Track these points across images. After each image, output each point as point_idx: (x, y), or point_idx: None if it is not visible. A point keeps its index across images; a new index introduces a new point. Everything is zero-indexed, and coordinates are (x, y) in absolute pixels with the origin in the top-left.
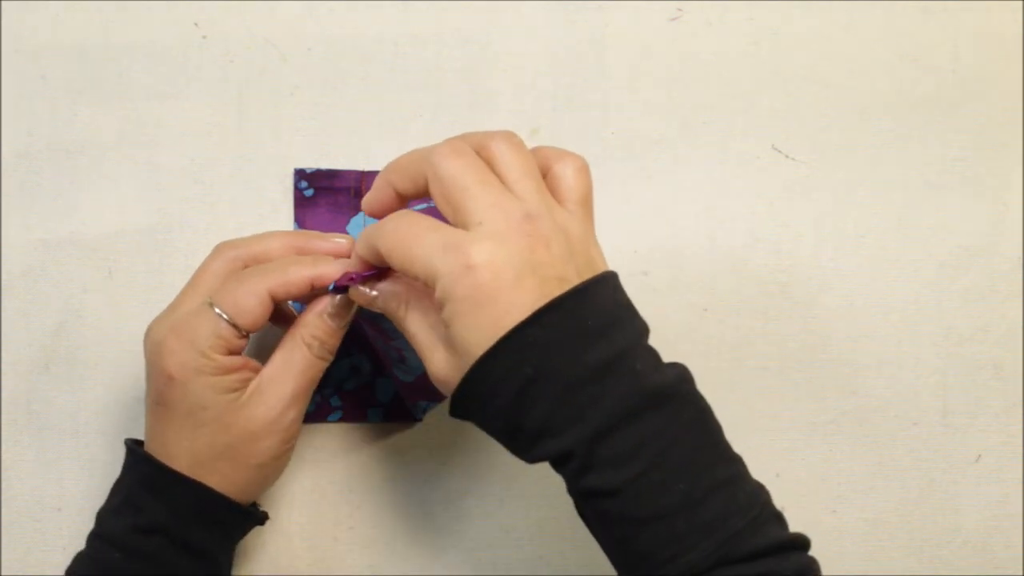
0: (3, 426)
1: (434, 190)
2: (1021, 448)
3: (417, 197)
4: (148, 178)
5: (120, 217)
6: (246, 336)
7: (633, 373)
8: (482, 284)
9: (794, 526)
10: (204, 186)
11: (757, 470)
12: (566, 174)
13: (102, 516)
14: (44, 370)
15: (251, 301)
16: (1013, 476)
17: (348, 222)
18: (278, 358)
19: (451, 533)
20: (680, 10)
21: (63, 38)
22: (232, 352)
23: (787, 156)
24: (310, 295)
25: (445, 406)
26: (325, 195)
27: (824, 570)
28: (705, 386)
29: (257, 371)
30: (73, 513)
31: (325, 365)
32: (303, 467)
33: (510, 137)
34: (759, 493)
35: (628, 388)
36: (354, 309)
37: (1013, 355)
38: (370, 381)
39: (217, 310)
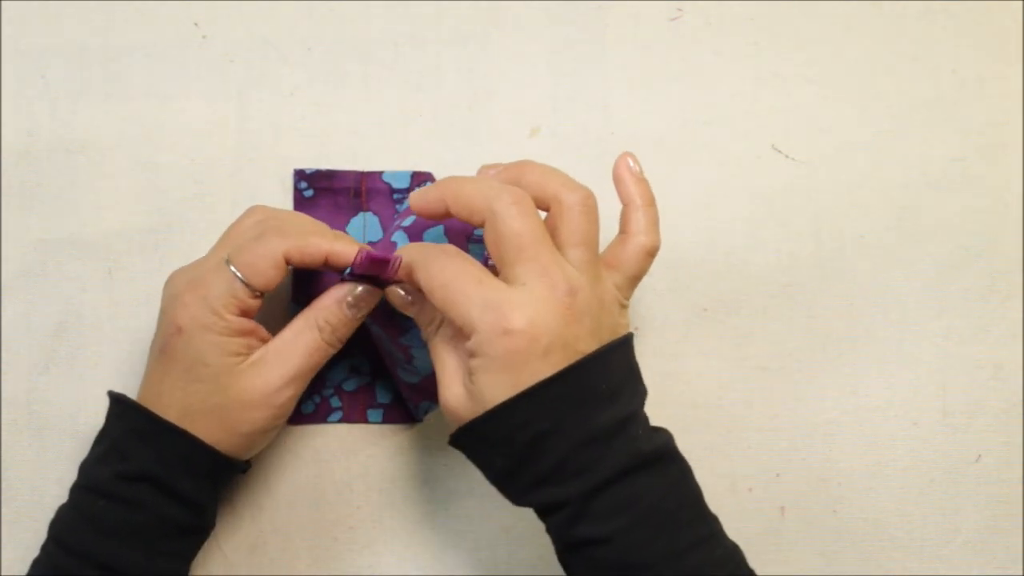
0: (3, 426)
1: (488, 236)
2: (1021, 448)
3: (469, 224)
4: (148, 178)
5: (120, 217)
6: (259, 296)
7: (633, 437)
8: (515, 351)
9: (794, 526)
10: (204, 186)
11: (757, 470)
12: (635, 248)
13: (85, 467)
14: (44, 370)
15: (265, 262)
16: (1013, 476)
17: (348, 223)
18: (287, 334)
19: (451, 533)
20: (680, 10)
21: (63, 38)
22: (244, 313)
23: (787, 156)
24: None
25: None
26: (325, 196)
27: (824, 570)
28: (705, 386)
29: (265, 341)
30: None
31: (331, 352)
32: (303, 467)
33: (586, 200)
34: (735, 552)
35: (628, 450)
36: (374, 303)
37: (1013, 355)
38: (370, 382)
39: (232, 268)
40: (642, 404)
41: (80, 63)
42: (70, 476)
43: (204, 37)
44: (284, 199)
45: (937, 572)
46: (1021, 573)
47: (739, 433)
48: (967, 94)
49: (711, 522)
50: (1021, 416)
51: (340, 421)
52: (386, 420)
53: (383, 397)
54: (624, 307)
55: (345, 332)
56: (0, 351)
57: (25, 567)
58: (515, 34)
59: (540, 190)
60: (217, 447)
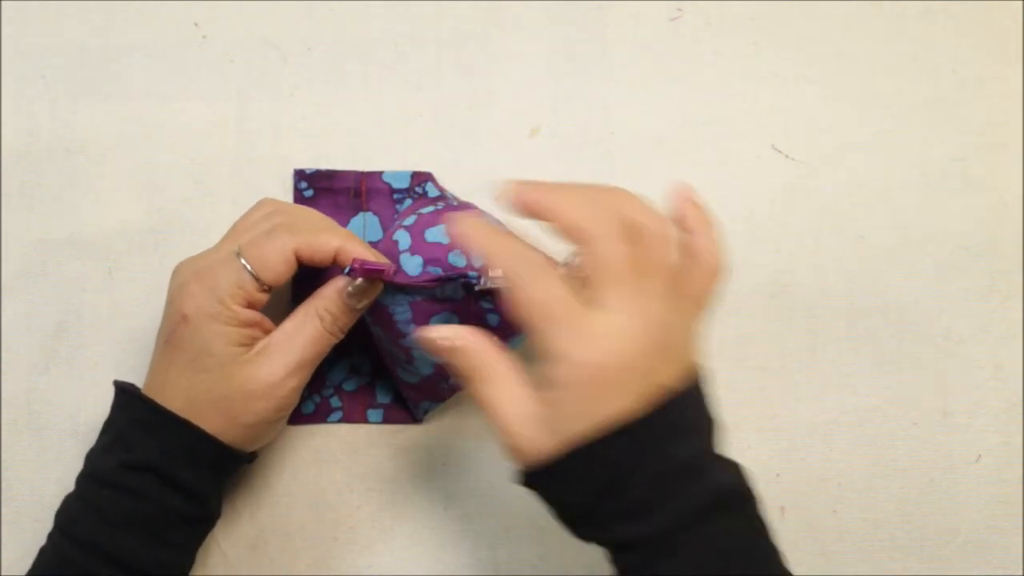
0: (3, 426)
1: (586, 258)
2: (1021, 448)
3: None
4: (148, 178)
5: (120, 217)
6: (267, 291)
7: (712, 471)
8: (601, 381)
9: (794, 526)
10: (204, 186)
11: (757, 470)
12: (702, 274)
13: (91, 456)
14: (44, 370)
15: (276, 257)
16: (1013, 476)
17: (347, 223)
18: (289, 325)
19: (451, 533)
20: (680, 10)
21: (63, 38)
22: (251, 305)
23: (787, 156)
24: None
25: (445, 407)
26: (325, 196)
27: (824, 570)
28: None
29: (269, 332)
30: None
31: (333, 341)
32: (303, 467)
33: (668, 229)
34: None
35: (707, 487)
36: (375, 294)
37: (1013, 355)
38: (370, 382)
39: (243, 260)
40: (714, 435)
41: (80, 63)
42: (70, 476)
43: (204, 37)
44: (284, 199)
45: (937, 572)
46: (1021, 573)
47: (739, 433)
48: (967, 94)
49: (782, 557)
50: (1021, 416)
51: (340, 421)
52: (386, 420)
53: (383, 397)
54: (695, 333)
55: (346, 321)
56: (0, 351)
57: (25, 567)
58: (515, 34)
59: (636, 222)
60: (221, 438)
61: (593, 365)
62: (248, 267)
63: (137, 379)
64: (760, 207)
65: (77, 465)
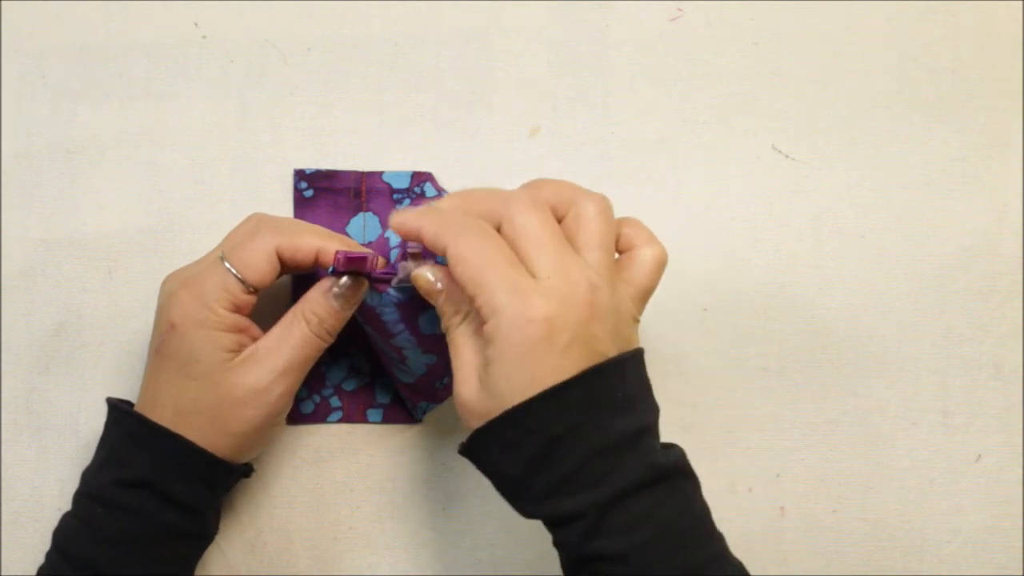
0: (3, 426)
1: (507, 234)
2: (1021, 448)
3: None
4: (148, 178)
5: (120, 217)
6: (253, 293)
7: (649, 449)
8: (537, 340)
9: (794, 526)
10: (204, 186)
11: (757, 470)
12: (644, 261)
13: (86, 474)
14: (44, 370)
15: (258, 256)
16: (1013, 476)
17: (348, 223)
18: (276, 330)
19: (451, 533)
20: (680, 10)
21: (63, 38)
22: (238, 309)
23: (787, 156)
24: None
25: (445, 407)
26: (325, 196)
27: (824, 570)
28: (705, 386)
29: (257, 340)
30: None
31: (322, 345)
32: (303, 467)
33: (601, 202)
34: (742, 570)
35: (644, 462)
36: (360, 294)
37: (1013, 355)
38: (370, 382)
39: (227, 264)
40: (656, 419)
41: (80, 63)
42: (70, 476)
43: (204, 37)
44: (284, 199)
45: (937, 572)
46: (1021, 573)
47: (739, 433)
48: (967, 94)
49: (719, 539)
50: (1021, 416)
51: (340, 421)
52: (386, 420)
53: (383, 397)
54: (636, 322)
55: (333, 324)
56: (0, 351)
57: (25, 567)
58: (515, 34)
59: (556, 197)
60: (211, 449)
61: (527, 319)
62: (232, 269)
63: (137, 380)
64: (760, 207)
65: (77, 465)
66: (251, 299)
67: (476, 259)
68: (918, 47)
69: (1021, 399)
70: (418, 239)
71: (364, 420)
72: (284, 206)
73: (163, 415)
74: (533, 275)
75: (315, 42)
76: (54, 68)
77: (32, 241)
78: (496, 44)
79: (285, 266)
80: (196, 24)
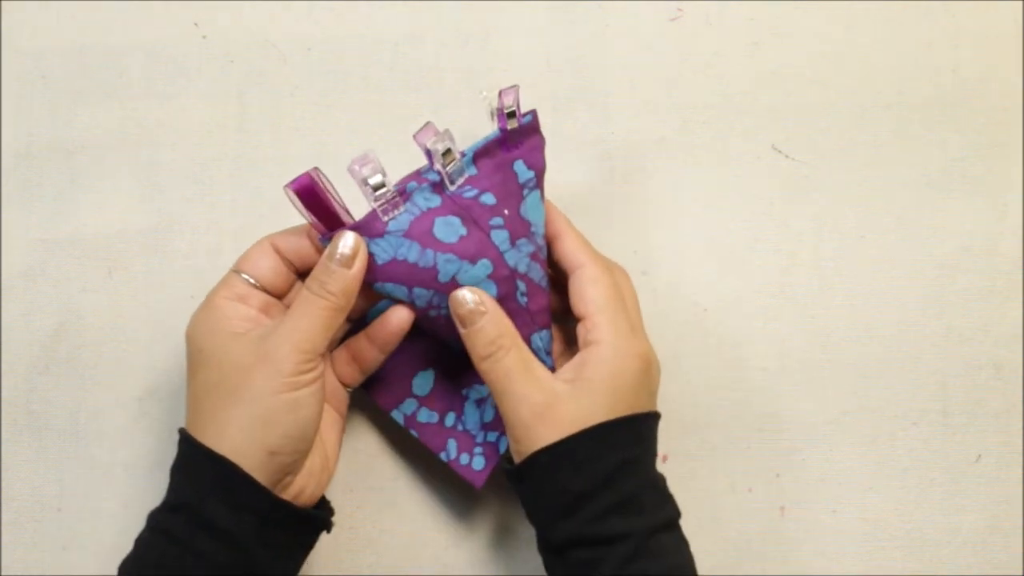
0: (3, 426)
1: (578, 287)
2: (1021, 448)
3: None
4: (148, 178)
5: (120, 217)
6: (257, 287)
7: (669, 499)
8: (636, 371)
9: (794, 526)
10: (204, 186)
11: (757, 470)
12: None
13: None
14: (44, 370)
15: (255, 251)
16: (1013, 476)
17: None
18: (289, 310)
19: (451, 533)
20: (680, 10)
21: (63, 38)
22: (241, 300)
23: (787, 156)
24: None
25: None
26: None
27: (824, 570)
28: (705, 386)
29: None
30: (73, 513)
31: (327, 305)
32: None
33: (629, 280)
34: None
35: (673, 504)
36: (355, 247)
37: (1013, 355)
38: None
39: (232, 269)
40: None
41: (80, 63)
42: (70, 476)
43: (204, 37)
44: (284, 199)
45: (937, 572)
46: (1021, 573)
47: (739, 433)
48: (967, 94)
49: None
50: (1021, 416)
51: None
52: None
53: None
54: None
55: (336, 286)
56: (0, 351)
57: (25, 567)
58: (515, 34)
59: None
60: (238, 437)
61: (634, 354)
62: (233, 267)
63: (137, 379)
64: (760, 207)
65: (77, 465)
66: (258, 294)
67: (605, 289)
68: (918, 47)
69: (1021, 399)
70: (554, 240)
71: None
72: (284, 205)
73: (189, 419)
74: (626, 325)
75: (315, 42)
76: (54, 68)
77: (32, 241)
78: (496, 44)
79: (288, 259)
80: (196, 24)
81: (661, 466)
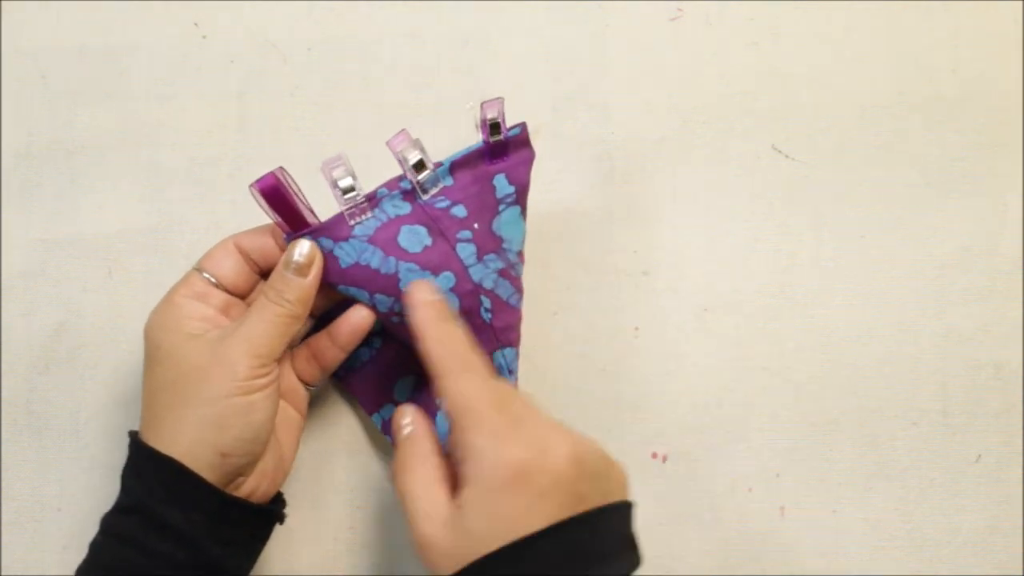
0: (3, 426)
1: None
2: (1021, 448)
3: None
4: (148, 178)
5: (120, 217)
6: (217, 286)
7: None
8: (510, 485)
9: (794, 526)
10: (204, 186)
11: (757, 470)
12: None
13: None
14: (44, 370)
15: (218, 250)
16: (1013, 476)
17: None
18: (246, 314)
19: None
20: (680, 10)
21: (63, 38)
22: (200, 298)
23: (787, 156)
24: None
25: None
26: None
27: (824, 570)
28: (705, 386)
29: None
30: (73, 513)
31: (283, 312)
32: (303, 468)
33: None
34: None
35: None
36: (310, 254)
37: (1013, 355)
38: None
39: (194, 267)
40: (631, 573)
41: (80, 63)
42: (70, 476)
43: (204, 37)
44: None
45: (937, 572)
46: (1021, 573)
47: (739, 433)
48: (967, 94)
49: None
50: (1021, 416)
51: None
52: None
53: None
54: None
55: (292, 295)
56: (0, 351)
57: (25, 567)
58: (515, 34)
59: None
60: (191, 437)
61: (507, 466)
62: (195, 265)
63: (136, 380)
64: (760, 207)
65: (77, 465)
66: (219, 293)
67: (459, 395)
68: (918, 47)
69: (1021, 399)
70: (420, 344)
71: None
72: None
73: (143, 418)
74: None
75: (315, 42)
76: (54, 68)
77: (32, 241)
78: (496, 44)
79: (251, 258)
80: (196, 24)
81: (661, 466)
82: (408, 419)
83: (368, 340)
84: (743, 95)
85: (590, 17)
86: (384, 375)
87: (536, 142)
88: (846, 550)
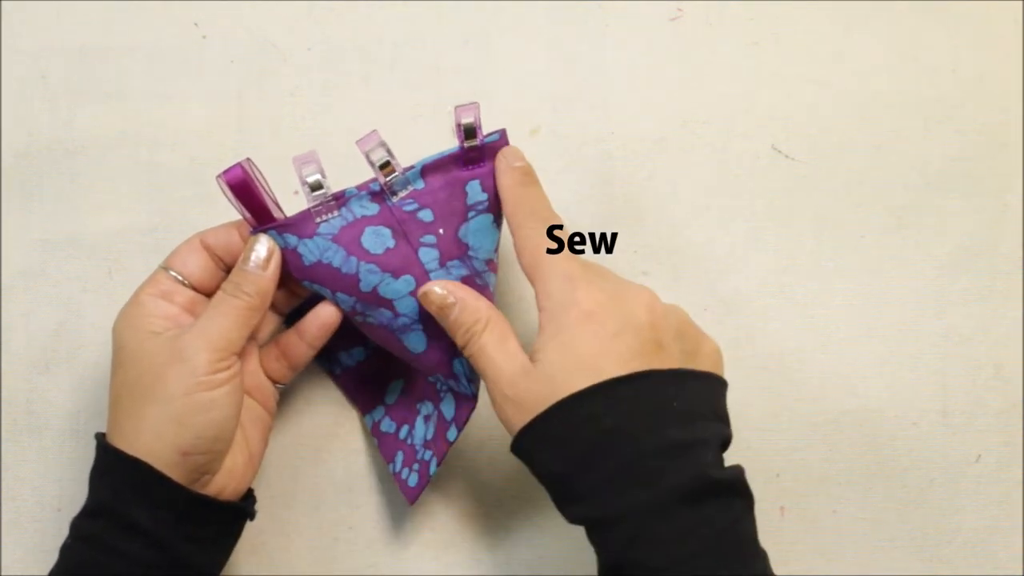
0: (3, 426)
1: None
2: (1021, 448)
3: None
4: (148, 178)
5: (120, 217)
6: (187, 286)
7: (702, 461)
8: (580, 320)
9: (794, 526)
10: (204, 186)
11: (757, 470)
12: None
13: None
14: (44, 370)
15: (184, 248)
16: (1013, 476)
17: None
18: (206, 310)
19: (451, 533)
20: (680, 10)
21: (63, 38)
22: (165, 297)
23: (787, 156)
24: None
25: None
26: None
27: (825, 570)
28: None
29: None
30: (73, 513)
31: (241, 304)
32: (303, 467)
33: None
34: None
35: (693, 472)
36: (269, 249)
37: (1013, 355)
38: (436, 410)
39: (161, 266)
40: (718, 443)
41: (80, 63)
42: (70, 476)
43: (204, 37)
44: (283, 199)
45: (937, 572)
46: (1021, 573)
47: (739, 433)
48: (967, 94)
49: (763, 558)
50: (1021, 416)
51: (439, 465)
52: (460, 428)
53: (449, 411)
54: (719, 355)
55: (250, 287)
56: (0, 351)
57: (25, 567)
58: (515, 34)
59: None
60: (152, 434)
61: (578, 305)
62: (162, 264)
63: None
64: (760, 207)
65: (77, 465)
66: (185, 291)
67: (541, 249)
68: (918, 47)
69: (1021, 399)
70: (503, 207)
71: (448, 446)
72: (283, 206)
73: (109, 418)
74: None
75: (315, 42)
76: (54, 68)
77: (32, 241)
78: (496, 44)
79: (218, 255)
80: (196, 24)
81: None
82: (444, 289)
83: (364, 339)
84: (743, 95)
85: (590, 17)
86: (382, 376)
87: (536, 142)
88: (846, 550)
